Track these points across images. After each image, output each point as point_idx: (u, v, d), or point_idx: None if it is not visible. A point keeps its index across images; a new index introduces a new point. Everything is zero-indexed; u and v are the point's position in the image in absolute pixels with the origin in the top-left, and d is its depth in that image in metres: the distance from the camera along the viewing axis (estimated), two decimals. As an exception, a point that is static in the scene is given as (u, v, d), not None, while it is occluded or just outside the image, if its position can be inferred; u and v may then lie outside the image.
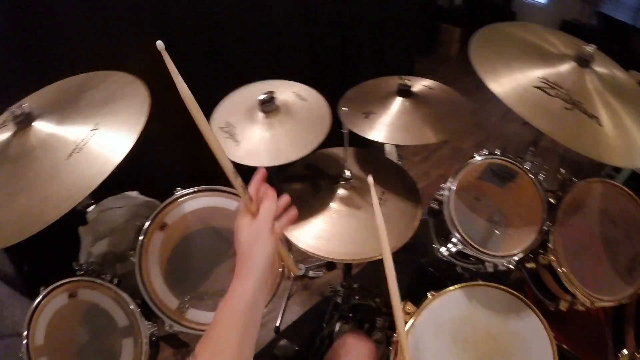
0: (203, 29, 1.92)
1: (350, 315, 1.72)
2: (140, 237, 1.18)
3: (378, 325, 1.62)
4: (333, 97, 1.49)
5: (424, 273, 1.84)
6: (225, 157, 0.76)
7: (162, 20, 1.74)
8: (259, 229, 0.79)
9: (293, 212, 0.90)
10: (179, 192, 1.24)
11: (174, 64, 0.67)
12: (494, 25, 1.33)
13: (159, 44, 0.67)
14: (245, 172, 1.22)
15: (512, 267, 1.29)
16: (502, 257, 1.25)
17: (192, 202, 1.24)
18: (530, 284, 1.44)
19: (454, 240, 1.25)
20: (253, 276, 0.75)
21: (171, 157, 1.95)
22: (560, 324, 1.48)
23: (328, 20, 2.52)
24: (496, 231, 1.41)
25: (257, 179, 0.86)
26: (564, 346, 1.49)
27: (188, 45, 1.90)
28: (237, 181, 0.78)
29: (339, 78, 1.55)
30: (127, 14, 1.65)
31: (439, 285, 1.28)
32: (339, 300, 1.77)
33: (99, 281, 1.16)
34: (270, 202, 0.82)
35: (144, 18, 1.70)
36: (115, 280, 1.19)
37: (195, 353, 0.70)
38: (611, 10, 6.78)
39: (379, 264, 1.16)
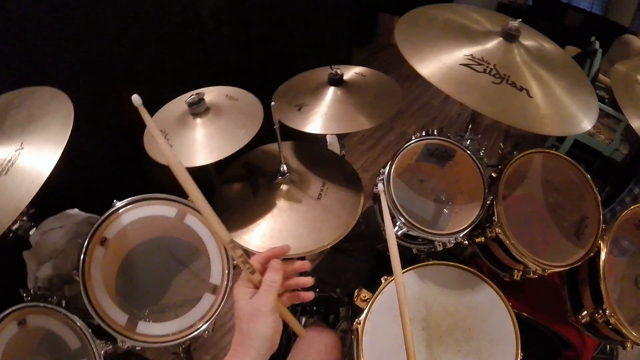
0: (129, 36, 1.83)
1: (314, 308, 1.69)
2: (82, 256, 1.11)
3: (342, 315, 1.60)
4: (269, 94, 1.44)
5: (382, 258, 1.82)
6: (221, 228, 0.69)
7: (87, 26, 1.65)
8: (259, 305, 0.70)
9: (307, 281, 0.82)
10: (116, 204, 1.17)
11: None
12: (419, 9, 1.31)
13: (135, 99, 0.64)
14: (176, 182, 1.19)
15: (460, 243, 1.27)
16: (448, 234, 1.22)
17: (131, 213, 1.18)
18: (483, 258, 1.43)
19: (398, 223, 1.21)
20: (250, 353, 0.68)
21: (109, 169, 1.86)
22: (518, 292, 1.50)
23: (258, 18, 2.45)
24: (444, 209, 1.41)
25: (270, 252, 0.78)
26: (524, 314, 1.50)
27: (115, 53, 1.80)
28: (236, 252, 0.71)
29: (275, 75, 1.52)
30: (51, 23, 1.56)
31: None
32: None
33: (45, 305, 1.09)
34: (274, 274, 0.74)
35: (68, 28, 1.61)
36: (64, 303, 1.12)
37: None
38: (545, -10, 6.97)
39: (332, 255, 1.13)
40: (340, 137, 1.81)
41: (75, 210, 1.40)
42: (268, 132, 1.25)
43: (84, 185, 1.66)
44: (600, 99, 3.57)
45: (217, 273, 1.17)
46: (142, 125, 1.30)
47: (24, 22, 1.48)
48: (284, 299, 0.78)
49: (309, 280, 0.81)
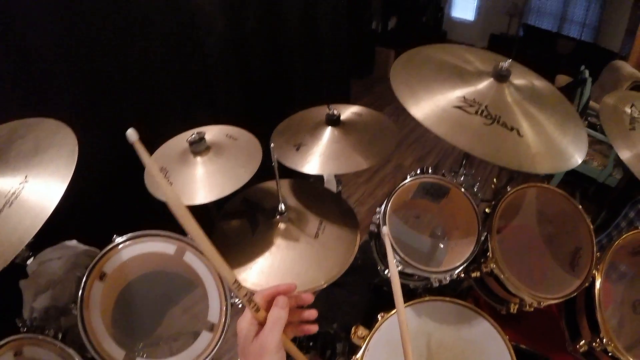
0: (132, 69, 1.84)
1: (311, 344, 1.66)
2: (80, 291, 1.10)
3: (339, 351, 1.57)
4: (269, 129, 1.45)
5: (378, 292, 1.80)
6: (225, 268, 0.66)
7: (90, 58, 1.67)
8: (264, 343, 0.67)
9: (312, 314, 0.80)
10: (117, 239, 1.17)
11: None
12: (414, 50, 1.32)
13: (130, 134, 0.56)
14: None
15: (456, 278, 1.26)
16: (444, 272, 1.21)
17: (130, 249, 1.17)
18: (479, 291, 1.41)
19: (395, 261, 1.20)
20: None
21: (109, 201, 1.86)
22: (515, 323, 1.47)
23: (259, 53, 2.48)
24: (440, 244, 1.40)
25: (275, 289, 0.74)
26: (522, 345, 1.47)
27: (118, 85, 1.82)
28: (240, 292, 0.67)
29: (275, 109, 1.52)
30: (55, 59, 1.57)
31: (394, 303, 1.23)
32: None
33: (42, 337, 1.07)
34: (280, 311, 0.70)
35: (71, 62, 1.62)
36: (60, 335, 1.10)
37: None
38: (535, 20, 7.06)
39: (329, 290, 1.12)
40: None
41: (74, 242, 1.39)
42: (267, 168, 1.24)
43: (83, 217, 1.65)
44: (592, 126, 3.58)
45: (215, 311, 1.15)
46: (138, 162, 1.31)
47: (30, 50, 1.50)
48: (287, 331, 0.75)
49: (313, 313, 0.79)
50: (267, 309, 0.71)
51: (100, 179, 1.82)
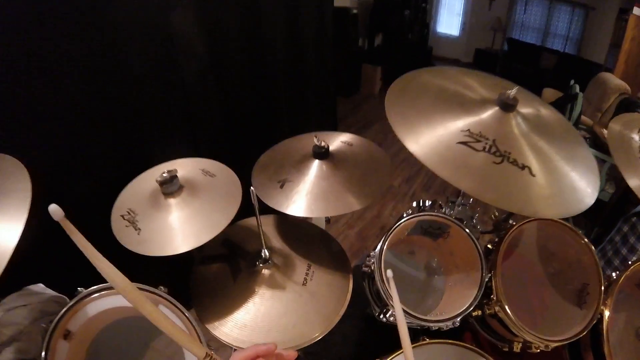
0: (105, 100, 1.70)
1: (310, 388, 1.53)
2: (43, 354, 0.97)
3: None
4: (254, 156, 1.33)
5: (371, 321, 1.68)
6: (193, 344, 0.62)
7: (59, 91, 1.54)
8: None
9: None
10: (81, 292, 1.03)
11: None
12: (408, 75, 1.18)
13: (54, 210, 0.50)
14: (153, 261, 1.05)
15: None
16: (445, 320, 1.10)
17: (96, 303, 1.03)
18: (481, 331, 1.31)
19: (390, 310, 1.09)
20: None
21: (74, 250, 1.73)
22: (518, 360, 1.38)
23: (241, 76, 2.37)
24: (437, 282, 1.29)
25: (253, 351, 0.68)
26: (524, 383, 1.38)
27: (94, 117, 1.68)
28: None
29: (260, 132, 1.39)
30: (20, 92, 1.45)
31: (389, 332, 1.10)
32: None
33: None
34: None
35: (38, 91, 1.50)
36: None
37: None
38: (519, 34, 7.12)
39: None
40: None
41: (41, 287, 1.26)
42: (250, 205, 1.12)
43: (48, 259, 1.52)
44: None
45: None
46: (111, 202, 1.19)
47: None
48: None
49: (292, 355, 0.72)
50: None
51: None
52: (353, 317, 1.74)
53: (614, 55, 5.05)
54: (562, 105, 3.52)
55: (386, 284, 1.07)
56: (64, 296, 1.18)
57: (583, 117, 3.59)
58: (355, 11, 5.56)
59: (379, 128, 2.00)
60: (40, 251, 1.37)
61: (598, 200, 3.28)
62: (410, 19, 6.92)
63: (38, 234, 0.92)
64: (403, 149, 0.93)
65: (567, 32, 6.71)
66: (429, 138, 0.97)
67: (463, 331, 1.51)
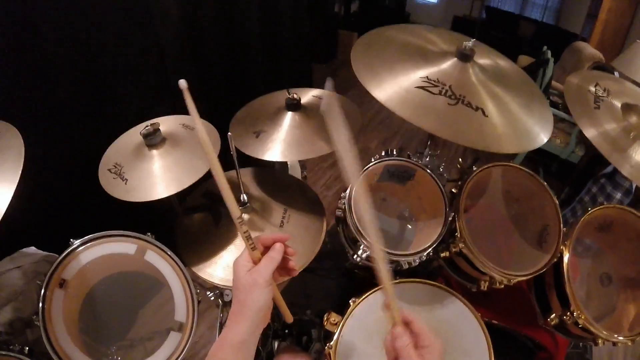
0: (82, 62, 1.72)
1: (286, 332, 1.62)
2: (40, 303, 1.02)
3: (314, 337, 1.54)
4: (229, 117, 1.38)
5: (350, 276, 1.76)
6: (233, 204, 0.76)
7: (36, 55, 1.55)
8: (257, 277, 0.74)
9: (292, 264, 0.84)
10: (74, 243, 1.09)
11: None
12: (375, 30, 1.26)
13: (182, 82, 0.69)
14: (140, 208, 1.11)
15: (426, 259, 1.24)
16: (412, 254, 1.17)
17: (89, 252, 1.10)
18: (449, 271, 1.39)
19: (362, 246, 1.16)
20: (246, 321, 0.73)
21: (65, 205, 1.75)
22: (487, 301, 1.46)
23: (217, 39, 2.38)
24: (409, 226, 1.37)
25: (276, 236, 0.80)
26: (494, 322, 1.47)
27: (71, 81, 1.70)
28: (242, 228, 0.76)
29: (235, 96, 1.43)
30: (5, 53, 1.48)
31: (368, 285, 1.21)
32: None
33: (6, 353, 1.00)
34: (276, 254, 0.77)
35: (15, 55, 1.51)
36: (27, 349, 1.04)
37: None
38: (498, 2, 7.10)
39: (300, 277, 1.08)
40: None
41: (32, 249, 1.31)
42: (228, 158, 1.18)
43: (39, 222, 1.57)
44: (555, 105, 3.61)
45: (181, 310, 1.10)
46: (98, 160, 1.24)
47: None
48: (275, 276, 0.80)
49: (292, 251, 0.83)
50: (262, 253, 0.78)
51: (53, 180, 1.72)
52: (333, 273, 1.82)
53: (591, 25, 5.10)
54: (534, 70, 3.60)
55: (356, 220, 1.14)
56: (55, 254, 1.20)
57: (555, 83, 3.66)
58: (330, -23, 5.51)
59: (356, 93, 2.04)
60: (30, 215, 1.41)
61: (568, 162, 3.41)
62: (387, -15, 6.86)
63: (27, 197, 0.94)
64: (379, 112, 1.01)
65: (545, 2, 6.72)
66: (391, 85, 1.06)
67: (436, 277, 1.60)
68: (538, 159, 3.74)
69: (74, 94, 1.72)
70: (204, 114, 1.33)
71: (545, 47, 3.81)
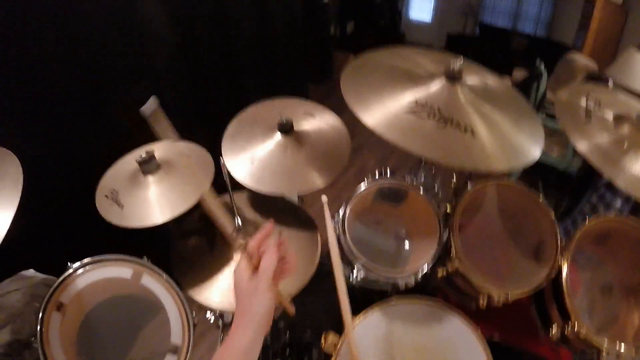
0: (77, 85, 1.73)
1: (287, 353, 1.61)
2: (38, 325, 1.04)
3: (315, 357, 1.53)
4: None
5: (351, 295, 1.75)
6: (223, 219, 0.81)
7: (32, 82, 1.58)
8: (257, 284, 0.77)
9: (291, 262, 0.89)
10: (71, 267, 1.11)
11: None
12: (365, 56, 1.27)
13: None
14: (138, 231, 1.12)
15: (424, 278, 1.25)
16: (408, 275, 1.17)
17: (86, 276, 1.11)
18: (447, 290, 1.40)
19: (356, 267, 1.16)
20: (250, 327, 0.75)
21: (64, 228, 1.76)
22: (487, 316, 1.45)
23: (211, 62, 2.40)
24: (406, 246, 1.37)
25: (262, 233, 0.85)
26: (495, 339, 1.46)
27: (68, 107, 1.72)
28: (236, 242, 0.83)
29: (230, 117, 1.43)
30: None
31: (366, 302, 1.23)
32: (268, 342, 1.64)
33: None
34: (271, 256, 0.81)
35: (14, 81, 1.53)
36: (26, 370, 1.04)
37: None
38: (490, 19, 7.18)
39: (300, 298, 1.09)
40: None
41: (31, 272, 1.32)
42: (223, 181, 1.20)
43: (38, 245, 1.57)
44: (550, 117, 3.62)
45: (177, 332, 1.10)
46: (95, 185, 1.25)
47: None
48: (275, 276, 0.82)
49: (282, 240, 0.87)
50: (258, 256, 0.81)
51: (52, 205, 1.73)
52: (334, 293, 1.81)
53: (583, 35, 5.15)
54: (528, 84, 3.62)
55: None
56: (54, 277, 1.21)
57: (550, 95, 3.68)
58: (326, 0, 5.53)
59: (351, 113, 2.04)
60: (30, 238, 1.43)
61: (566, 174, 3.40)
62: (381, 5, 6.91)
63: (26, 221, 0.96)
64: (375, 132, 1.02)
65: (537, 15, 6.78)
66: (379, 109, 1.07)
67: (435, 295, 1.59)
68: (536, 172, 3.73)
69: (73, 118, 1.74)
70: (198, 135, 1.35)
71: (538, 60, 3.84)
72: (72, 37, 1.68)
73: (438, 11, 7.55)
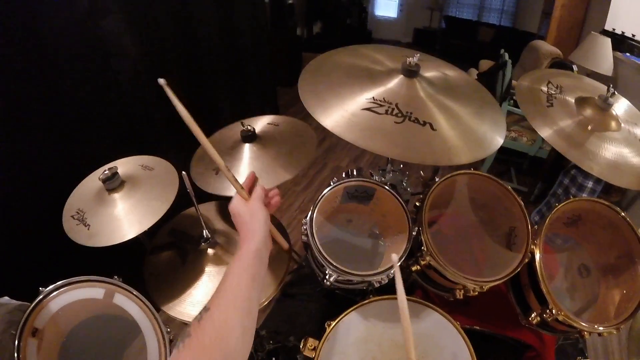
0: (42, 105, 1.68)
1: (274, 359, 1.59)
2: (15, 353, 1.00)
3: (302, 362, 1.52)
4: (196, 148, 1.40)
5: (332, 297, 1.74)
6: (218, 157, 0.88)
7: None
8: (253, 206, 0.89)
9: (276, 198, 0.97)
10: (43, 291, 1.07)
11: None
12: (322, 56, 1.26)
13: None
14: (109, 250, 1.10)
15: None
16: (379, 272, 1.16)
17: (58, 299, 1.08)
18: (423, 284, 1.39)
19: (327, 271, 1.15)
20: (255, 236, 0.85)
21: (36, 252, 1.72)
22: (467, 308, 1.46)
23: (177, 72, 2.37)
24: (380, 243, 1.36)
25: (249, 177, 0.95)
26: (476, 327, 1.46)
27: (32, 117, 1.66)
28: (229, 174, 0.88)
29: (201, 126, 1.40)
30: None
31: (350, 304, 1.22)
32: (252, 352, 1.61)
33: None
34: (259, 188, 0.92)
35: None
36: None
37: (207, 305, 0.73)
38: (456, 11, 7.26)
39: (282, 302, 1.07)
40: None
41: (6, 299, 1.28)
42: (196, 193, 1.17)
43: (11, 271, 1.53)
44: (518, 104, 3.65)
45: (153, 350, 1.07)
46: (61, 206, 1.22)
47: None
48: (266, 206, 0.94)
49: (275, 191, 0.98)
50: (248, 190, 0.92)
51: (21, 230, 1.68)
52: (315, 295, 1.80)
53: (547, 23, 5.22)
54: (494, 73, 3.66)
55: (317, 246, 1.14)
56: (28, 303, 1.20)
57: (515, 83, 3.72)
58: (290, 1, 5.57)
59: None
60: (1, 266, 1.39)
61: (538, 158, 3.44)
62: (347, 5, 6.93)
63: None
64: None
65: (501, 6, 6.88)
66: (338, 110, 1.06)
67: (415, 290, 1.59)
68: (508, 159, 3.79)
69: (40, 137, 1.70)
70: (168, 155, 1.33)
71: (502, 50, 3.88)
72: (36, 58, 1.64)
73: (404, 7, 7.61)
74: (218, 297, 0.75)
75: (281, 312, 1.72)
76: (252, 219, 0.87)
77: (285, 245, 1.03)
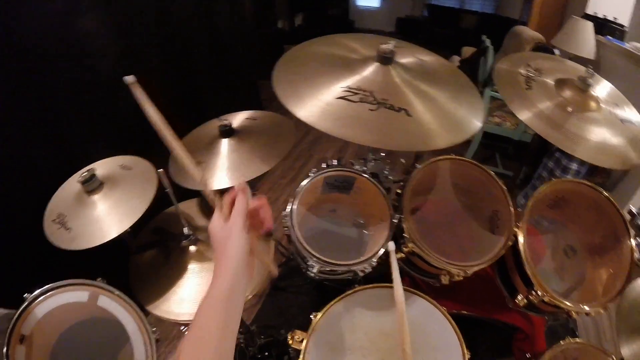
0: (27, 103, 1.65)
1: (266, 354, 1.59)
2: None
3: (293, 355, 1.52)
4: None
5: (322, 288, 1.73)
6: (194, 168, 0.79)
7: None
8: (230, 228, 0.76)
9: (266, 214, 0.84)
10: (28, 298, 1.06)
11: None
12: (297, 47, 1.25)
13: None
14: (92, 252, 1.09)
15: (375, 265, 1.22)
16: (362, 262, 1.16)
17: (43, 305, 1.07)
18: (410, 271, 1.39)
19: (309, 262, 1.14)
20: (229, 270, 0.73)
21: (20, 259, 1.70)
22: (454, 293, 1.46)
23: (158, 69, 2.33)
24: (365, 232, 1.35)
25: (235, 191, 0.82)
26: (464, 312, 1.46)
27: (11, 119, 1.64)
28: (206, 189, 0.79)
29: (184, 122, 1.36)
30: None
31: (340, 294, 1.21)
32: (243, 346, 1.61)
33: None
34: (240, 201, 0.79)
35: None
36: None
37: (178, 349, 0.66)
38: (438, -1, 7.27)
39: (273, 295, 1.06)
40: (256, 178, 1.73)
41: (-9, 309, 1.27)
42: (178, 191, 1.17)
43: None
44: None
45: (140, 350, 1.07)
46: (42, 210, 1.21)
47: None
48: (252, 231, 0.81)
49: (265, 206, 0.84)
50: (229, 206, 0.80)
51: (3, 237, 1.66)
52: (306, 288, 1.80)
53: (528, 8, 5.22)
54: (476, 59, 3.67)
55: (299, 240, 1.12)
56: (14, 311, 1.19)
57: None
58: (270, -6, 5.51)
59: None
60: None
61: (522, 142, 3.44)
62: (328, -5, 6.91)
63: None
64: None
65: (483, -8, 6.90)
66: (312, 100, 1.04)
67: (402, 277, 1.59)
68: (493, 144, 3.80)
69: (17, 145, 1.66)
70: (151, 153, 1.31)
71: (484, 37, 3.89)
72: (11, 57, 1.61)
73: (386, -4, 7.57)
74: (188, 338, 0.67)
75: (272, 306, 1.71)
76: (226, 244, 0.76)
77: (274, 271, 0.92)
